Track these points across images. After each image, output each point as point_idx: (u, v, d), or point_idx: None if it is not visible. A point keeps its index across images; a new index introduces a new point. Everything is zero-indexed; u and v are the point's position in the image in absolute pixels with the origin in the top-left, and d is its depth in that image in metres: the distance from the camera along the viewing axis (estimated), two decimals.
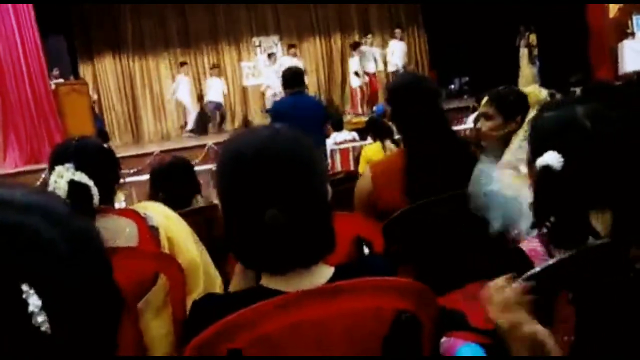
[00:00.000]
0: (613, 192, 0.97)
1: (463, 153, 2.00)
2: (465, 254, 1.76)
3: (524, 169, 1.42)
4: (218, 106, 10.94)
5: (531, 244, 1.05)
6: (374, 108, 10.27)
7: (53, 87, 8.43)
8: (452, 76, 12.38)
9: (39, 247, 0.52)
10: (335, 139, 7.27)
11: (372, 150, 4.89)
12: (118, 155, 1.85)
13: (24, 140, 7.95)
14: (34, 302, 0.49)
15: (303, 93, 4.83)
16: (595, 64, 9.14)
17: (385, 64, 11.65)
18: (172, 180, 2.60)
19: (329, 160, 6.70)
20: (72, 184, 1.48)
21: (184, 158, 3.01)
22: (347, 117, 10.09)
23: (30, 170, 7.42)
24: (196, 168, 2.99)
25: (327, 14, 12.63)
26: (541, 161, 0.99)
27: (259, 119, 11.55)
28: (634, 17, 9.07)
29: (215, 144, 8.24)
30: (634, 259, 0.91)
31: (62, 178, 1.48)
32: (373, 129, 5.28)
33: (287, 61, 9.40)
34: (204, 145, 8.54)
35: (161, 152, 8.30)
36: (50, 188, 1.47)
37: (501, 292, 0.89)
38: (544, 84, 6.39)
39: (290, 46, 11.02)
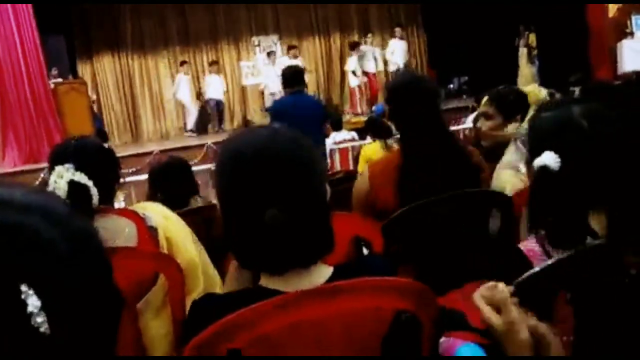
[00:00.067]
0: (610, 192, 0.97)
1: (459, 154, 2.00)
2: (465, 254, 1.77)
3: (524, 168, 1.42)
4: (218, 103, 10.94)
5: (529, 244, 1.05)
6: (373, 108, 10.27)
7: (52, 86, 8.42)
8: (451, 76, 12.38)
9: (39, 247, 0.52)
10: (335, 139, 7.27)
11: (372, 149, 4.88)
12: (117, 154, 1.85)
13: (23, 139, 7.95)
14: (33, 302, 0.49)
15: (303, 92, 4.83)
16: (595, 64, 9.14)
17: (385, 63, 11.64)
18: (169, 181, 2.60)
19: (328, 160, 6.70)
20: (71, 184, 1.48)
21: (181, 158, 3.01)
22: (346, 117, 10.09)
23: (29, 169, 7.43)
24: (195, 168, 3.00)
25: (326, 13, 12.62)
26: (538, 161, 0.99)
27: (258, 118, 11.55)
28: (633, 17, 9.07)
29: (215, 143, 8.24)
30: (629, 265, 0.91)
31: (61, 178, 1.48)
32: (372, 129, 5.28)
33: (287, 62, 9.39)
34: (203, 145, 8.53)
35: (160, 151, 8.29)
36: (49, 188, 1.47)
37: (494, 292, 0.88)
38: (543, 83, 6.39)
39: (290, 47, 11.00)
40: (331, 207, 1.03)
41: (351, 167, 6.25)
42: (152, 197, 2.58)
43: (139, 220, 1.63)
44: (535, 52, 10.46)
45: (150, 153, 8.28)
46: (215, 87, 10.82)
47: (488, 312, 0.84)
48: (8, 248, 0.51)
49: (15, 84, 7.88)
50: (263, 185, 0.95)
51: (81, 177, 1.49)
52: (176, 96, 10.86)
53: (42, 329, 0.49)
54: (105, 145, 1.78)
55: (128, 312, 1.45)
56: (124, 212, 1.69)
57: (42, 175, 6.28)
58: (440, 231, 1.83)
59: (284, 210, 0.93)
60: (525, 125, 1.99)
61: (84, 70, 11.01)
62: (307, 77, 6.17)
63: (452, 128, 7.19)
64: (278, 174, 0.95)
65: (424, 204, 1.80)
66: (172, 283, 1.51)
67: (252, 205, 0.95)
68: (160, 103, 11.60)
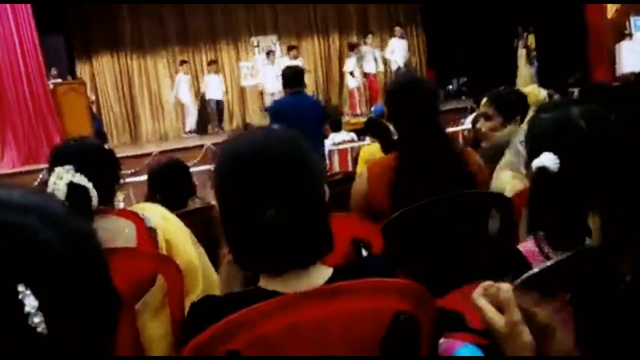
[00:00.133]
0: (608, 194, 0.97)
1: (455, 158, 2.00)
2: (465, 255, 1.77)
3: (524, 169, 1.42)
4: (218, 103, 10.93)
5: (528, 245, 1.05)
6: (372, 109, 10.27)
7: (51, 86, 8.42)
8: (450, 76, 12.37)
9: (37, 248, 0.52)
10: (334, 140, 7.26)
11: (371, 150, 4.88)
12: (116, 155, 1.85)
13: (22, 140, 7.95)
14: (31, 302, 0.49)
15: (303, 93, 4.84)
16: (593, 65, 9.16)
17: (385, 63, 11.64)
18: (167, 182, 2.61)
19: (327, 161, 6.70)
20: (71, 185, 1.48)
21: (178, 159, 3.02)
22: (345, 118, 10.09)
23: (28, 170, 7.42)
24: (194, 169, 3.00)
25: (325, 13, 12.62)
26: (537, 162, 0.99)
27: (257, 118, 11.54)
28: (632, 18, 9.09)
29: (214, 144, 8.23)
30: (624, 271, 0.91)
31: (61, 180, 1.48)
32: (371, 130, 5.28)
33: (287, 63, 9.38)
34: (202, 146, 8.53)
35: (159, 152, 8.28)
36: (49, 189, 1.47)
37: (498, 292, 0.88)
38: (542, 84, 6.39)
39: (290, 48, 11.00)
40: (330, 208, 1.03)
41: (350, 168, 6.25)
42: (151, 198, 2.59)
43: (138, 220, 1.63)
44: (534, 53, 10.47)
45: (149, 154, 8.26)
46: (214, 87, 10.81)
47: (491, 312, 0.83)
48: (6, 248, 0.51)
49: (14, 84, 7.88)
50: (262, 186, 0.95)
51: (81, 179, 1.49)
52: (177, 96, 10.85)
53: (39, 329, 0.49)
54: (106, 146, 1.78)
55: (127, 313, 1.45)
56: (124, 213, 1.69)
57: (40, 175, 6.27)
58: (440, 232, 1.83)
59: (282, 210, 0.93)
60: (524, 126, 1.99)
61: (82, 70, 11.01)
62: (306, 77, 6.18)
63: (451, 129, 7.19)
64: (277, 174, 0.95)
65: (424, 204, 1.80)
66: (171, 284, 1.50)
67: (251, 205, 0.95)
68: (159, 103, 11.59)
